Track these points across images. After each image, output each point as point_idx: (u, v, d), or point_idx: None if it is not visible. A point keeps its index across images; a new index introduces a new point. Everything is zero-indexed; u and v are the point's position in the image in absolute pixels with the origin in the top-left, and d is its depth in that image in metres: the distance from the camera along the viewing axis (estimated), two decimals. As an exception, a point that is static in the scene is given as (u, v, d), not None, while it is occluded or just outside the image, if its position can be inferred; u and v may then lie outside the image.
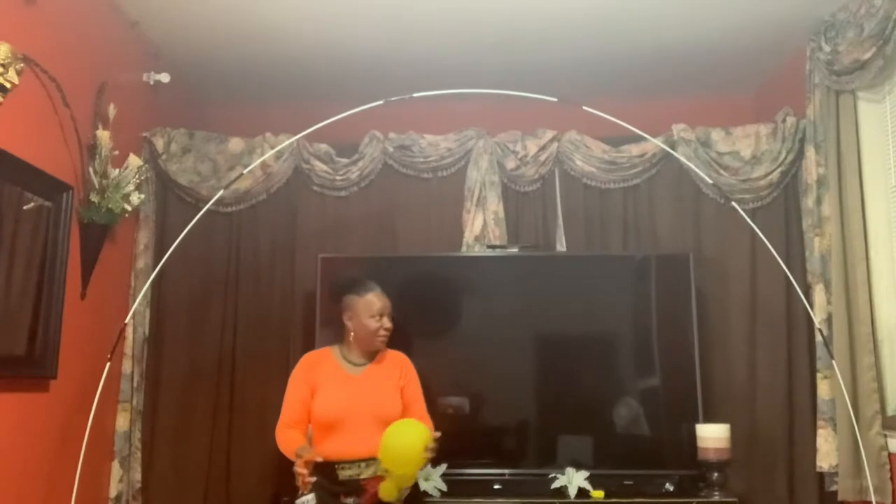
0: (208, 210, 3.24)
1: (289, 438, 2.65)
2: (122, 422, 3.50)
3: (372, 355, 2.84)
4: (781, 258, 3.17)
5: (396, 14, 3.49)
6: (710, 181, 3.53)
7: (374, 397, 2.72)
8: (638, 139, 3.62)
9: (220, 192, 3.28)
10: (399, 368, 2.84)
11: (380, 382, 2.77)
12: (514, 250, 3.65)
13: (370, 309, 2.78)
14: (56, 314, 2.90)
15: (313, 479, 2.45)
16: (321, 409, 2.69)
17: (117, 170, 3.23)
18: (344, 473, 2.62)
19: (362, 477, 2.62)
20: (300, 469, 2.43)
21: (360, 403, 2.69)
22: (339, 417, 2.67)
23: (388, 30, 3.64)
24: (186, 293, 3.73)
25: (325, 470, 2.59)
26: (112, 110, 3.24)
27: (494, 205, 3.73)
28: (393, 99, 3.16)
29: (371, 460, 2.62)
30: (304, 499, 2.52)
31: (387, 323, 2.80)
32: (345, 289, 2.85)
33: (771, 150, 3.65)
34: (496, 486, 3.35)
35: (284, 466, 3.31)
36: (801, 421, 3.46)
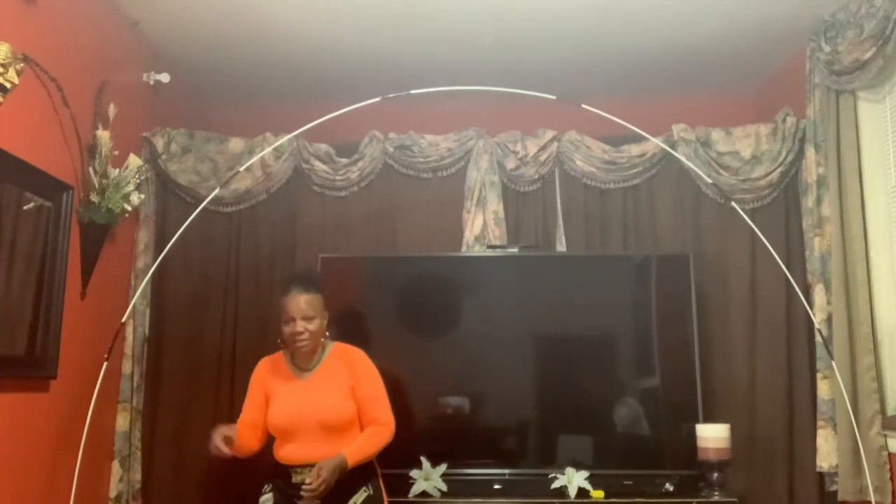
0: (208, 210, 3.24)
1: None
2: (121, 422, 3.50)
3: (318, 357, 2.74)
4: (781, 258, 3.17)
5: (396, 13, 3.49)
6: (710, 181, 3.53)
7: (318, 403, 2.66)
8: (638, 139, 3.62)
9: (216, 191, 3.28)
10: (348, 367, 2.72)
11: (325, 387, 2.69)
12: (514, 250, 3.64)
13: (283, 313, 2.67)
14: (56, 314, 2.90)
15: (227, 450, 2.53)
16: (272, 419, 2.70)
17: (117, 170, 3.24)
18: (296, 478, 2.63)
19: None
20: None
21: (305, 411, 2.65)
22: (287, 426, 2.67)
23: (388, 29, 3.64)
24: (186, 293, 3.73)
25: (282, 473, 2.67)
26: (112, 110, 3.24)
27: (494, 205, 3.73)
28: (391, 96, 3.15)
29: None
30: (262, 498, 2.70)
31: (299, 327, 2.62)
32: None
33: (771, 150, 3.65)
34: (496, 486, 3.34)
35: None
36: (801, 421, 3.46)
